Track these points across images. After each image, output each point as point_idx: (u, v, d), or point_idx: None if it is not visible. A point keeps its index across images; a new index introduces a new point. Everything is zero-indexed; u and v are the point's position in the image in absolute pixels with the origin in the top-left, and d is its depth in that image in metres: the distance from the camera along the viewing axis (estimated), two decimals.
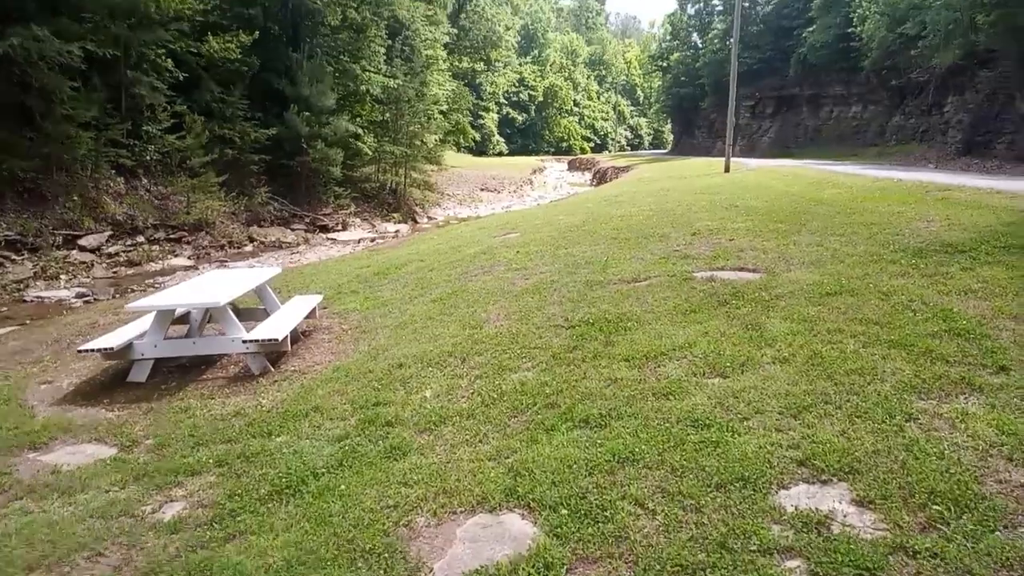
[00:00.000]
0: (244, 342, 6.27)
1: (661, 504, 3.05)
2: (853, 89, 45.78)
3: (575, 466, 3.47)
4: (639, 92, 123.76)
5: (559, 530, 2.96)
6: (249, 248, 22.46)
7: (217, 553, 3.28)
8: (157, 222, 20.38)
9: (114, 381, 6.58)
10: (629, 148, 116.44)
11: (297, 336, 7.68)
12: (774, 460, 3.29)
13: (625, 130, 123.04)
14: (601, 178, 51.82)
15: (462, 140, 61.84)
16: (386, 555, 3.05)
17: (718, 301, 6.12)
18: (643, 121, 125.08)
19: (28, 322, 11.56)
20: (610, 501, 3.10)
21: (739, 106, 40.06)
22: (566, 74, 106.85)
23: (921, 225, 8.92)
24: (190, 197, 21.41)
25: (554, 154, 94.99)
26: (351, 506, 3.48)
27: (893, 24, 34.75)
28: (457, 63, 61.17)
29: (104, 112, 19.28)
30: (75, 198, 18.31)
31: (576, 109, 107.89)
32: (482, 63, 71.13)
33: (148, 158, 20.95)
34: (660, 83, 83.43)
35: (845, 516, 2.83)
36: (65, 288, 15.85)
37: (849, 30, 40.14)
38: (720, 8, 65.73)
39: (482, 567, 2.88)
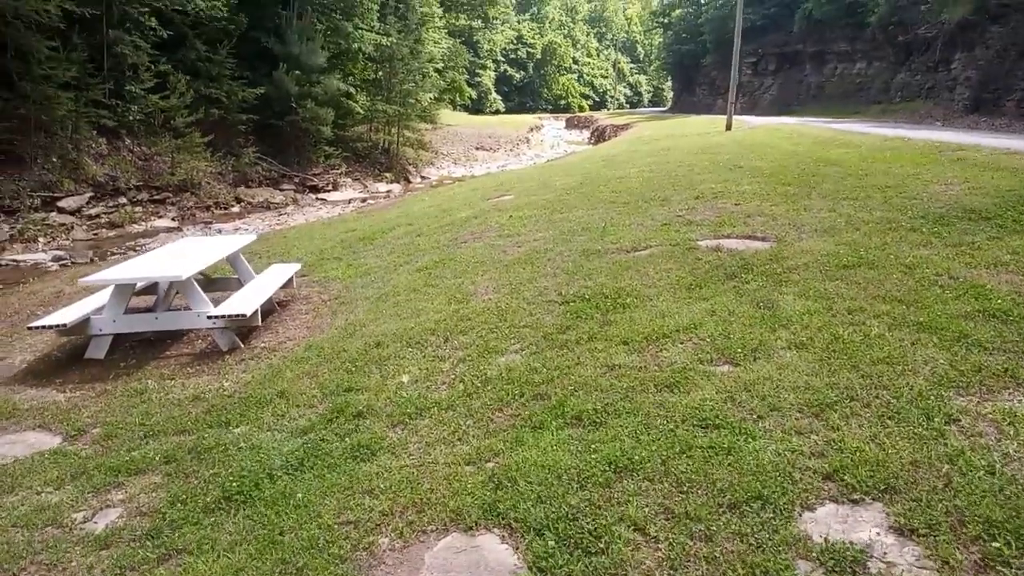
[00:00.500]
0: (210, 317, 5.77)
1: (665, 530, 2.57)
2: (858, 46, 44.82)
3: (565, 476, 2.98)
4: (639, 49, 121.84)
5: (544, 563, 2.48)
6: (236, 209, 21.85)
7: None
8: (140, 183, 19.73)
9: (72, 358, 6.11)
10: (628, 106, 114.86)
11: (273, 307, 7.20)
12: (795, 472, 2.81)
13: (624, 88, 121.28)
14: (599, 136, 50.95)
15: (458, 98, 60.67)
16: None
17: (725, 274, 5.61)
18: (643, 79, 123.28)
19: None
20: (605, 525, 2.61)
21: (741, 63, 38.97)
22: (565, 31, 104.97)
23: (939, 188, 8.37)
24: (175, 157, 20.74)
25: (552, 112, 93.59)
26: (306, 521, 3.01)
27: None
28: (454, 20, 59.60)
29: (85, 72, 18.48)
30: (54, 159, 17.64)
31: (575, 67, 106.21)
32: (479, 20, 69.46)
33: (131, 118, 20.20)
34: (661, 40, 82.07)
35: (884, 551, 2.35)
36: (42, 251, 15.32)
37: None
38: None
39: None
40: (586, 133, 60.48)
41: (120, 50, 19.51)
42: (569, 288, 5.80)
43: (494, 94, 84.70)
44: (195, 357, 5.89)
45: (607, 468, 2.99)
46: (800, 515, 2.58)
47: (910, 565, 2.28)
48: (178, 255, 6.72)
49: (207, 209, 21.06)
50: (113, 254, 15.31)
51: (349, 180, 27.51)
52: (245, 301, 6.01)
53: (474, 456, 3.34)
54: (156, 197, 20.05)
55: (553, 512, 2.74)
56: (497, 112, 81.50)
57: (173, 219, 19.52)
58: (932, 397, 3.28)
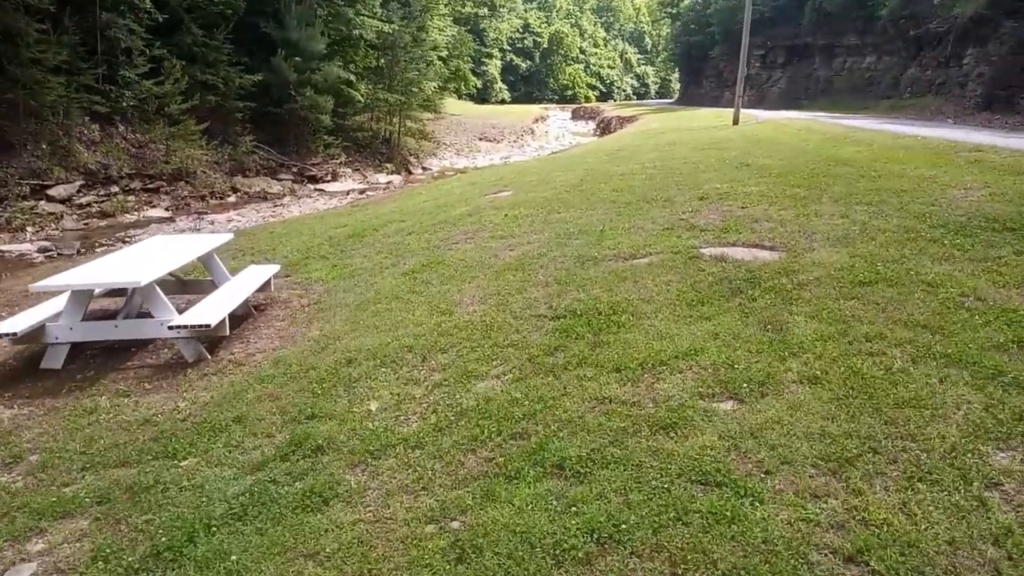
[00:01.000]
0: (171, 327, 5.33)
1: None
2: (868, 39, 44.12)
3: (539, 548, 2.54)
4: (647, 40, 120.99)
5: None
6: (232, 199, 21.43)
7: None
8: (133, 171, 19.26)
9: (29, 366, 5.67)
10: (635, 97, 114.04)
11: (248, 311, 6.76)
12: (812, 552, 2.37)
13: (631, 78, 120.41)
14: (605, 128, 50.38)
15: (463, 87, 60.13)
16: None
17: (730, 289, 5.16)
18: (650, 70, 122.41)
19: None
20: None
21: (749, 55, 38.37)
22: (572, 20, 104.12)
23: (958, 193, 7.89)
24: (169, 145, 20.26)
25: (558, 102, 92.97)
26: None
27: None
28: (460, 8, 59.02)
29: (77, 56, 18.01)
30: (44, 146, 17.19)
31: (582, 56, 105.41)
32: (485, 8, 68.90)
33: (125, 104, 19.70)
34: (669, 31, 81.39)
35: None
36: (29, 241, 14.90)
37: None
38: None
39: None
40: (592, 124, 59.88)
41: (113, 34, 19.02)
42: (561, 300, 5.35)
43: (500, 83, 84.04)
44: (157, 369, 5.45)
45: (589, 538, 2.56)
46: None
47: None
48: (147, 256, 6.29)
49: (202, 199, 20.62)
50: (101, 245, 14.91)
51: (348, 170, 27.05)
52: (211, 309, 5.56)
53: (438, 512, 2.90)
54: (149, 186, 19.60)
55: None
56: (503, 102, 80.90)
57: (167, 209, 19.09)
58: (969, 453, 2.84)
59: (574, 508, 2.75)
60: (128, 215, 18.06)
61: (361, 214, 12.90)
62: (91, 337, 5.70)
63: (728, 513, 2.59)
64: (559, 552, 2.51)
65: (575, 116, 73.29)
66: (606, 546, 2.52)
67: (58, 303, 5.85)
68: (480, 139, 41.25)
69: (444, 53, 44.21)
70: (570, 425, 3.43)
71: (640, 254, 6.45)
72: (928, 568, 2.25)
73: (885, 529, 2.43)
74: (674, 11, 74.50)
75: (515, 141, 43.44)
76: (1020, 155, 10.93)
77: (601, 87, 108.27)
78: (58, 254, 13.94)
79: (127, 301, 6.28)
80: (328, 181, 25.12)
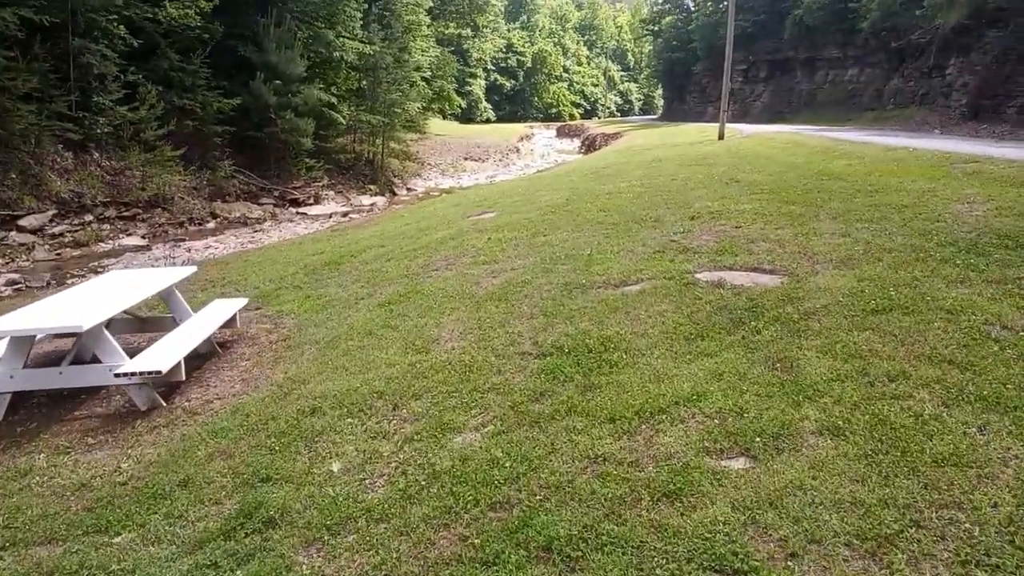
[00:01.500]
0: (118, 375, 4.84)
1: None
2: (850, 52, 44.29)
3: None
4: (630, 57, 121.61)
5: None
6: (211, 225, 20.90)
7: None
8: (108, 199, 18.73)
9: None
10: (619, 114, 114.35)
11: (213, 349, 6.28)
12: None
13: (615, 95, 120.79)
14: (590, 145, 50.18)
15: (447, 107, 59.95)
16: None
17: (731, 319, 4.72)
18: (633, 86, 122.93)
19: None
20: None
21: (732, 70, 38.29)
22: (555, 39, 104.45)
23: (962, 208, 7.52)
24: (145, 172, 19.72)
25: (543, 120, 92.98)
26: None
27: None
28: (443, 29, 58.89)
29: (48, 83, 17.53)
30: (13, 175, 16.65)
31: (565, 75, 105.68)
32: (469, 29, 68.79)
33: (99, 131, 19.19)
34: (651, 48, 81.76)
35: None
36: None
37: None
38: None
39: None
40: (577, 142, 59.69)
41: (86, 60, 18.53)
42: (547, 335, 4.90)
43: (484, 103, 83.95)
44: (105, 420, 4.95)
45: None
46: None
47: None
48: (102, 293, 5.80)
49: (180, 225, 20.09)
50: (73, 276, 14.37)
51: (331, 193, 26.58)
52: (164, 353, 5.08)
53: None
54: (125, 214, 19.06)
55: None
56: (488, 121, 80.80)
57: (143, 236, 18.54)
58: None
59: None
60: (103, 244, 17.49)
61: (340, 239, 12.44)
62: (34, 386, 5.20)
63: None
64: None
65: (560, 134, 73.19)
66: None
67: (1, 347, 5.36)
68: (465, 159, 40.91)
69: (427, 74, 43.94)
70: (559, 492, 2.97)
71: (631, 280, 6.02)
72: None
73: None
74: (656, 28, 74.77)
75: (500, 160, 43.14)
76: (1019, 166, 10.59)
77: (585, 104, 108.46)
78: (27, 286, 13.40)
79: (75, 344, 5.77)
80: (310, 204, 24.64)
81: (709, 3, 59.00)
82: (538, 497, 2.96)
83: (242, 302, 6.84)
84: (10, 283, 13.57)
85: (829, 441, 3.08)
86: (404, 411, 4.11)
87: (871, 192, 9.05)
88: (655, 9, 77.20)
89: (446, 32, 60.33)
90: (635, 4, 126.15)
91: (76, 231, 17.47)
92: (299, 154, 25.57)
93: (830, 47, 46.26)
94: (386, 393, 4.38)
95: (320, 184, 26.39)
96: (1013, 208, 7.22)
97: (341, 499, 3.25)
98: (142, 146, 19.90)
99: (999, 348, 3.82)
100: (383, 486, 3.34)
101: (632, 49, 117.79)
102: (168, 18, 20.55)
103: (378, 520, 3.04)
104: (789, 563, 2.36)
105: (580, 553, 2.56)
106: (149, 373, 4.80)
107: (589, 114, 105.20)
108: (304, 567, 2.81)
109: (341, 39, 27.77)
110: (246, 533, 3.13)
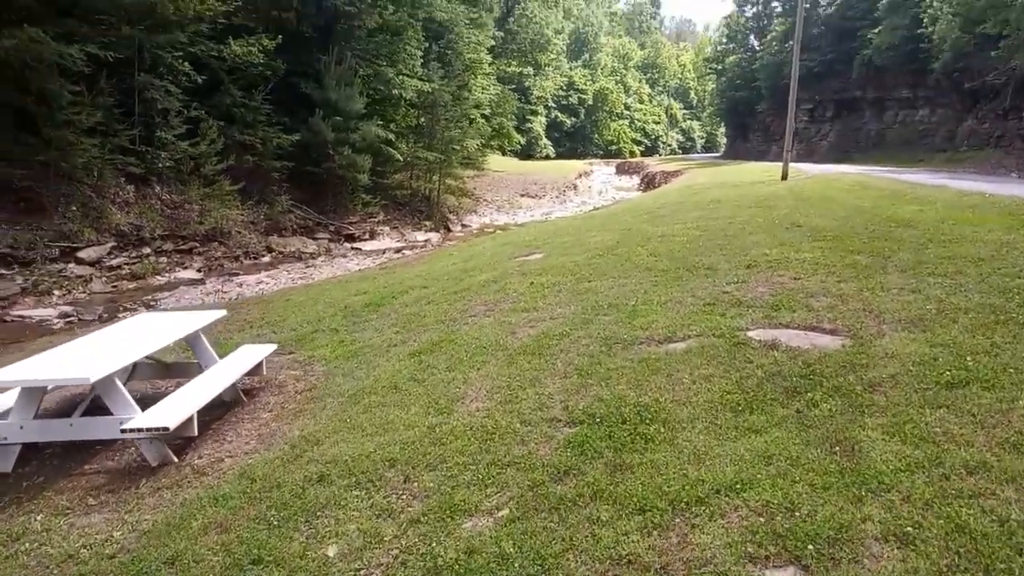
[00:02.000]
0: (124, 431, 4.60)
1: None
2: (920, 92, 43.00)
3: None
4: (692, 95, 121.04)
5: None
6: (267, 259, 21.09)
7: None
8: (166, 232, 19.04)
9: None
10: (681, 151, 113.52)
11: (237, 396, 6.05)
12: None
13: (677, 133, 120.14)
14: (649, 183, 49.72)
15: (506, 144, 60.28)
16: None
17: (784, 389, 4.24)
18: (696, 124, 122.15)
19: None
20: None
21: (797, 109, 37.53)
22: (617, 77, 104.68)
23: None
24: (204, 206, 20.07)
25: (603, 157, 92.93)
26: None
27: (968, 24, 32.14)
28: (505, 67, 59.50)
29: (112, 117, 17.99)
30: (74, 208, 17.04)
31: (627, 112, 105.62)
32: (530, 67, 69.36)
33: (160, 165, 19.62)
34: (714, 86, 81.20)
35: None
36: (53, 306, 14.56)
37: (919, 31, 37.49)
38: (779, 10, 63.46)
39: None
40: (636, 179, 59.30)
41: (151, 95, 19.02)
42: (579, 399, 4.49)
43: (544, 139, 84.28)
44: (112, 476, 4.71)
45: None
46: None
47: None
48: (123, 339, 5.63)
49: (236, 259, 20.32)
50: (126, 309, 14.51)
51: (387, 228, 26.68)
52: (175, 407, 4.82)
53: None
54: (182, 247, 19.35)
55: None
56: (547, 157, 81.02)
57: (199, 270, 18.76)
58: None
59: None
60: (159, 277, 17.72)
61: (385, 278, 12.24)
62: (44, 438, 5.01)
63: None
64: None
65: (619, 171, 72.88)
66: None
67: (9, 397, 5.19)
68: (522, 195, 40.83)
69: (487, 111, 44.28)
70: None
71: (676, 337, 5.56)
72: None
73: None
74: (719, 67, 74.29)
75: (557, 197, 42.94)
76: None
77: (646, 142, 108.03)
78: (79, 319, 13.56)
79: (91, 392, 5.58)
80: (365, 240, 24.73)
81: (774, 43, 58.29)
82: None
83: (270, 348, 6.60)
84: (63, 316, 13.75)
85: (896, 551, 2.60)
86: (415, 484, 3.74)
87: (944, 242, 8.41)
88: (719, 48, 76.82)
89: (507, 70, 60.96)
90: (699, 43, 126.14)
91: (133, 263, 17.75)
92: (356, 189, 25.78)
93: (900, 87, 45.04)
94: (399, 461, 4.02)
95: (376, 220, 26.52)
96: None
97: None
98: (202, 180, 20.25)
99: None
100: None
101: (695, 87, 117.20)
102: (232, 55, 21.03)
103: None
104: None
105: None
106: (156, 429, 4.54)
107: (650, 151, 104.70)
108: None
109: (401, 77, 28.10)
110: None
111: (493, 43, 49.05)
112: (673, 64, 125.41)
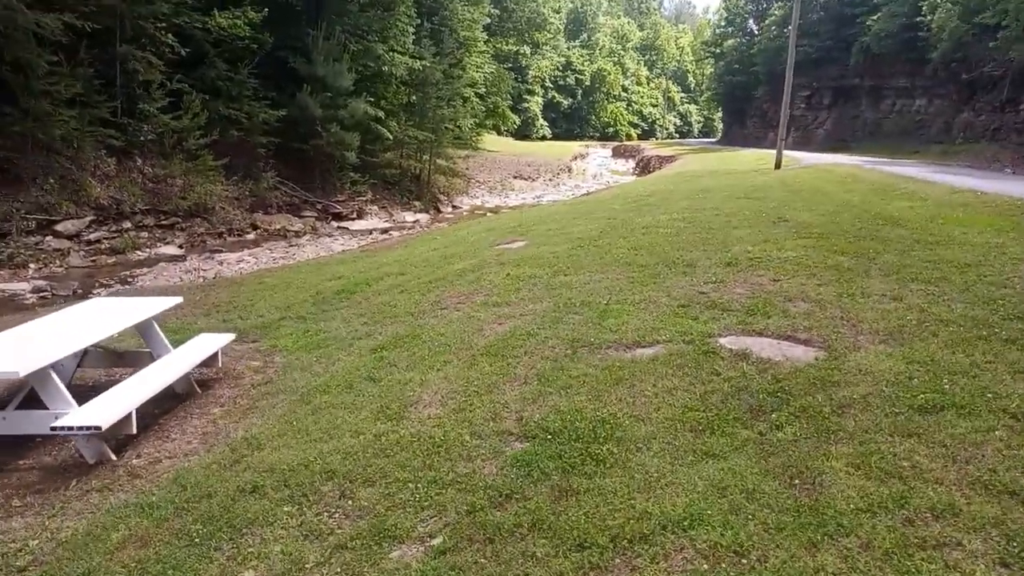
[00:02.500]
0: (54, 428, 4.35)
1: None
2: (918, 82, 42.73)
3: None
4: (691, 79, 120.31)
5: None
6: (251, 236, 20.78)
7: None
8: (148, 207, 18.70)
9: None
10: (678, 135, 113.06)
11: (191, 388, 5.81)
12: None
13: (674, 117, 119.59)
14: (644, 167, 49.47)
15: (502, 124, 59.81)
16: None
17: (750, 407, 4.01)
18: (693, 108, 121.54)
19: None
20: None
21: (794, 96, 37.21)
22: (615, 59, 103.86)
23: None
24: (187, 180, 19.69)
25: (600, 139, 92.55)
26: None
27: (967, 14, 31.83)
28: (501, 45, 58.88)
29: (92, 89, 17.55)
30: (52, 180, 16.66)
31: (624, 94, 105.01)
32: (527, 46, 68.68)
33: (142, 138, 19.25)
34: (712, 70, 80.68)
35: None
36: (27, 280, 14.25)
37: (918, 19, 37.14)
38: None
39: None
40: (632, 163, 58.97)
41: (132, 66, 18.58)
42: (536, 410, 4.26)
43: (541, 120, 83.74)
44: (45, 474, 4.47)
45: None
46: None
47: None
48: (68, 325, 5.37)
49: (219, 236, 20.01)
50: (101, 285, 14.23)
51: (375, 208, 26.35)
52: (112, 404, 4.57)
53: None
54: (164, 222, 19.01)
55: None
56: (543, 138, 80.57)
57: (180, 246, 18.45)
58: None
59: None
60: (139, 252, 17.42)
61: (364, 262, 11.98)
62: None
63: None
64: None
65: (615, 154, 72.45)
66: None
67: None
68: (515, 177, 40.48)
69: (481, 90, 43.80)
70: None
71: (645, 341, 5.33)
72: None
73: None
74: (717, 51, 73.69)
75: (551, 180, 42.59)
76: None
77: (643, 125, 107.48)
78: (52, 294, 13.27)
79: (27, 384, 5.32)
80: (353, 219, 24.41)
81: (773, 27, 57.81)
82: None
83: (227, 339, 6.35)
84: (36, 290, 13.47)
85: None
86: (350, 502, 3.50)
87: (931, 244, 8.19)
88: (717, 31, 76.16)
89: (504, 49, 60.33)
90: (698, 25, 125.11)
91: (113, 238, 17.43)
92: (344, 167, 25.43)
93: (897, 76, 44.75)
94: (338, 474, 3.78)
95: (364, 199, 26.18)
96: None
97: None
98: (185, 154, 19.85)
99: None
100: None
101: (693, 71, 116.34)
102: (218, 27, 20.56)
103: None
104: None
105: None
106: (87, 428, 4.30)
107: (647, 134, 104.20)
108: None
109: (392, 54, 27.64)
110: None
111: (489, 21, 48.48)
112: (672, 47, 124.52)
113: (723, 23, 74.04)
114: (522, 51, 67.26)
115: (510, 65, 62.33)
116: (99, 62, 17.90)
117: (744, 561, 2.67)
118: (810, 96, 54.55)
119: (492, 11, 50.88)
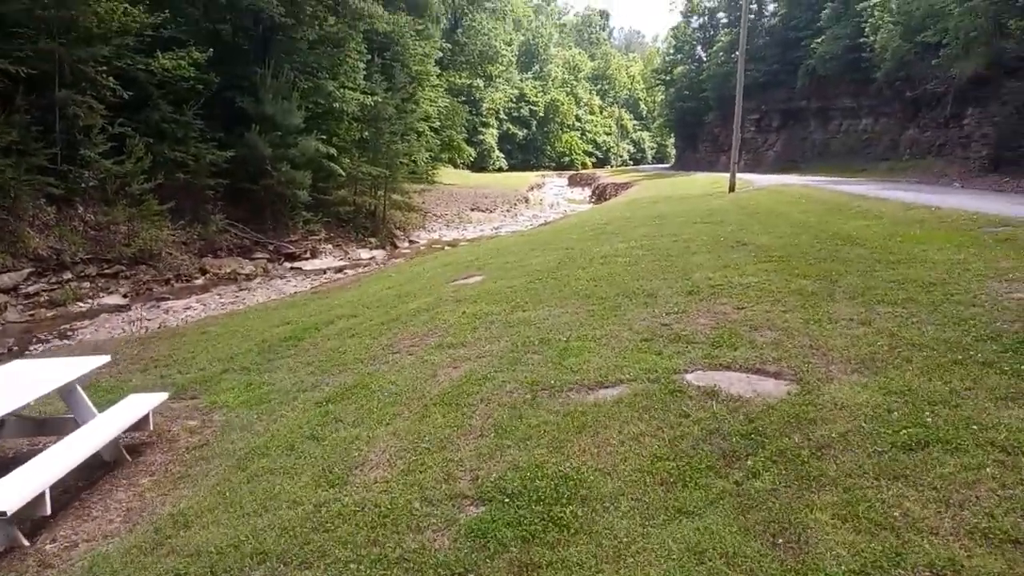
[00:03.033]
0: None
1: None
2: (863, 101, 43.71)
3: None
4: (642, 106, 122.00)
5: None
6: (200, 281, 20.11)
7: None
8: (89, 256, 17.97)
9: None
10: (632, 162, 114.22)
11: (119, 456, 5.33)
12: None
13: (628, 144, 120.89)
14: (600, 195, 49.69)
15: (458, 157, 59.71)
16: None
17: (723, 453, 3.70)
18: (646, 135, 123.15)
19: None
20: None
21: (744, 120, 37.77)
22: (568, 89, 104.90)
23: (1000, 287, 6.49)
24: (131, 227, 19.01)
25: (555, 169, 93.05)
26: None
27: (909, 33, 32.66)
28: (454, 79, 59.01)
29: (29, 136, 16.89)
30: None
31: (578, 124, 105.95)
32: (480, 79, 68.98)
33: (83, 185, 18.57)
34: (663, 97, 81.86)
35: None
36: None
37: (861, 40, 38.06)
38: (725, 21, 64.31)
39: None
40: (588, 191, 59.25)
41: (72, 111, 17.97)
42: (492, 468, 3.89)
43: (497, 152, 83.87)
44: None
45: None
46: None
47: None
48: None
49: (166, 283, 19.32)
50: (39, 340, 13.54)
51: (329, 246, 25.83)
52: (19, 484, 4.11)
53: None
54: (107, 271, 18.28)
55: None
56: (500, 170, 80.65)
57: (124, 295, 17.72)
58: None
59: None
60: (80, 303, 16.68)
61: (314, 305, 11.53)
62: None
63: None
64: None
65: (572, 183, 72.88)
66: None
67: None
68: (472, 209, 40.21)
69: (436, 124, 43.64)
70: None
71: (608, 381, 5.00)
72: None
73: None
74: (668, 78, 74.81)
75: (508, 211, 42.43)
76: None
77: (598, 153, 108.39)
78: None
79: None
80: (306, 259, 23.86)
81: (721, 53, 58.92)
82: None
83: (159, 398, 5.88)
84: None
85: None
86: None
87: (892, 263, 8.03)
88: (667, 59, 77.44)
89: (457, 82, 60.46)
90: (647, 54, 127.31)
91: (53, 290, 16.68)
92: (296, 207, 24.90)
93: (843, 97, 45.77)
94: (271, 555, 3.36)
95: (317, 237, 25.66)
96: None
97: None
98: (128, 200, 19.15)
99: None
100: None
101: (644, 98, 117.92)
102: (161, 69, 20.06)
103: None
104: None
105: None
106: None
107: (602, 162, 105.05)
108: None
109: (343, 90, 27.32)
110: None
111: (441, 55, 48.57)
112: (623, 75, 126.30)
113: (672, 51, 75.32)
114: (475, 84, 67.50)
115: (464, 98, 62.39)
116: (36, 108, 17.27)
117: None
118: (759, 119, 55.51)
119: (444, 45, 51.06)
